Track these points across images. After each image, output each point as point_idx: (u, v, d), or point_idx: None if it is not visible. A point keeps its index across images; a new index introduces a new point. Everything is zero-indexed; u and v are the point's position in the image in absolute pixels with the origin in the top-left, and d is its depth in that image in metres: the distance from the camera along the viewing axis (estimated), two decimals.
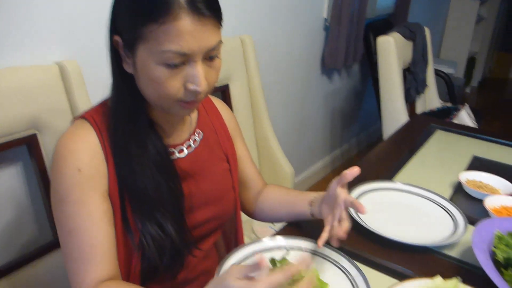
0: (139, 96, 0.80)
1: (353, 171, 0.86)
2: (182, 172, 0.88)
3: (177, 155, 0.89)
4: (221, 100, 1.09)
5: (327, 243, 0.94)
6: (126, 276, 0.84)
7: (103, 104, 0.85)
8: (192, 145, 0.92)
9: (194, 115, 0.96)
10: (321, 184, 3.01)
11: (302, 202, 1.00)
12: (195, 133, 0.94)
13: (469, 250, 0.98)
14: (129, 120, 0.81)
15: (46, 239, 1.20)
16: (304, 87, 2.62)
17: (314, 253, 0.93)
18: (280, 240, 0.95)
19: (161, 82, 0.73)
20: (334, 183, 0.89)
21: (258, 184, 1.10)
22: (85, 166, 0.77)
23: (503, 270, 0.86)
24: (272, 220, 1.09)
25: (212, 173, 0.96)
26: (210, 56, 0.76)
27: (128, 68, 0.78)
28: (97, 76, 1.35)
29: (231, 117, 1.07)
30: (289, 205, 1.03)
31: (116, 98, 0.82)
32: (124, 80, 0.80)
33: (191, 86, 0.74)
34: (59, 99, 1.13)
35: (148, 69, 0.73)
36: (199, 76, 0.73)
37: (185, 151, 0.91)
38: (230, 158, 1.02)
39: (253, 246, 0.93)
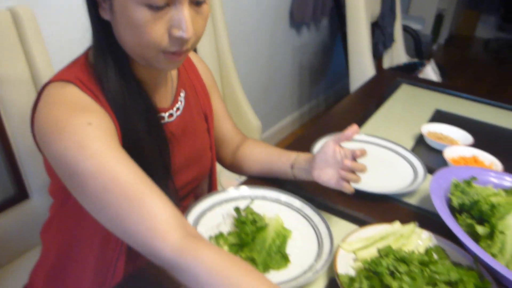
0: (122, 50, 0.73)
1: (353, 130, 0.85)
2: (170, 136, 0.85)
3: (167, 119, 0.86)
4: (195, 53, 1.04)
5: (294, 192, 0.96)
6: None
7: (84, 62, 0.76)
8: (180, 107, 0.89)
9: (174, 73, 0.91)
10: (289, 139, 3.04)
11: (283, 164, 0.98)
12: (180, 94, 0.90)
13: (427, 198, 1.02)
14: (120, 79, 0.74)
15: (6, 195, 1.16)
16: (272, 41, 2.58)
17: (278, 201, 0.94)
18: (245, 190, 0.95)
19: (143, 26, 0.66)
20: (330, 145, 0.87)
21: (236, 139, 1.07)
22: (94, 120, 0.68)
23: (457, 215, 0.90)
24: (250, 175, 1.06)
25: (193, 134, 0.93)
26: (197, 1, 0.69)
27: (105, 14, 0.70)
28: (52, 24, 1.28)
29: (207, 72, 1.03)
30: (269, 165, 1.01)
31: (99, 54, 0.74)
32: (105, 31, 0.72)
33: (177, 32, 0.67)
34: (12, 48, 1.07)
35: (127, 11, 0.66)
36: (186, 20, 0.66)
37: (174, 115, 0.87)
38: (208, 117, 0.99)
39: (218, 196, 0.93)
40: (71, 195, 0.69)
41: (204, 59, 1.70)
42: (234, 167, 1.08)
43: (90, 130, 0.66)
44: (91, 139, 0.65)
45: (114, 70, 0.74)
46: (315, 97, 3.44)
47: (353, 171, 0.86)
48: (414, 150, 1.25)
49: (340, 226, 0.91)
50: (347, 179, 0.86)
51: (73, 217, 0.83)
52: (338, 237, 0.84)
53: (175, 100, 0.89)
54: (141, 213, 0.62)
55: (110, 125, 0.71)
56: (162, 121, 0.85)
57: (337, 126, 1.31)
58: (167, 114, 0.86)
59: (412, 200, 1.02)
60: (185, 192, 0.95)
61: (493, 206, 0.84)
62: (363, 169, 0.86)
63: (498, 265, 0.74)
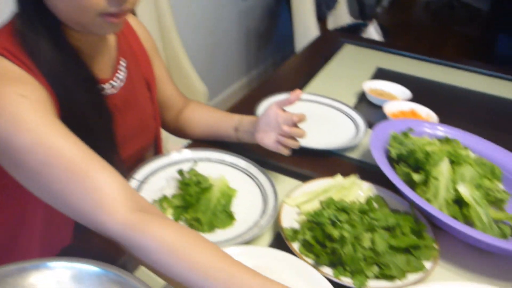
0: (54, 16, 0.67)
1: (296, 94, 0.84)
2: (113, 108, 0.81)
3: (108, 91, 0.81)
4: (134, 17, 0.98)
5: (238, 153, 0.96)
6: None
7: (11, 30, 0.68)
8: (121, 77, 0.84)
9: (113, 41, 0.85)
10: (239, 105, 3.02)
11: (226, 127, 0.97)
12: (120, 63, 0.85)
13: (368, 151, 1.05)
14: (53, 48, 0.68)
15: None
16: (216, 4, 2.52)
17: (223, 162, 0.94)
18: (187, 153, 0.94)
19: None
20: (273, 108, 0.86)
21: (179, 103, 1.05)
22: (27, 92, 0.62)
23: (396, 165, 0.93)
24: (193, 138, 1.05)
25: (136, 104, 0.89)
26: None
27: None
28: None
29: (148, 36, 0.98)
30: (212, 128, 1.00)
31: (27, 22, 0.67)
32: None
33: None
34: None
35: None
36: None
37: (116, 86, 0.83)
38: (151, 85, 0.95)
39: (160, 161, 0.91)
40: (6, 172, 0.63)
41: (144, 22, 1.64)
42: (178, 131, 1.06)
43: (24, 102, 0.61)
44: (26, 112, 0.60)
45: (46, 39, 0.68)
46: (263, 62, 3.43)
47: (292, 137, 0.86)
48: (356, 107, 1.28)
49: (285, 183, 0.92)
50: (285, 144, 0.86)
51: (12, 195, 0.79)
52: (283, 193, 0.86)
53: (115, 70, 0.84)
54: (85, 188, 0.58)
55: (46, 97, 0.65)
56: (103, 93, 0.80)
57: (282, 87, 1.32)
58: (108, 85, 0.81)
59: (354, 154, 1.05)
60: (130, 163, 0.93)
61: (427, 154, 0.88)
62: (301, 135, 0.86)
63: (432, 209, 0.78)
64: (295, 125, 0.85)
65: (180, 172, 0.86)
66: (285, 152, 0.87)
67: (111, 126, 0.79)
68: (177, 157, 0.93)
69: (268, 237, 0.78)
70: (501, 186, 0.91)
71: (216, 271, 0.53)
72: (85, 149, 0.62)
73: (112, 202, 0.58)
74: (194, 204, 0.80)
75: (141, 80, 0.92)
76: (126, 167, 0.90)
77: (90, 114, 0.74)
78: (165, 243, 0.55)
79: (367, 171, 0.97)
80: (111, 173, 0.61)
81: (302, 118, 0.85)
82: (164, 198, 0.81)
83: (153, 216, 0.58)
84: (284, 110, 0.87)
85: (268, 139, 0.87)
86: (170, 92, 1.03)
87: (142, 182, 0.86)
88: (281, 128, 0.84)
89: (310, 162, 1.00)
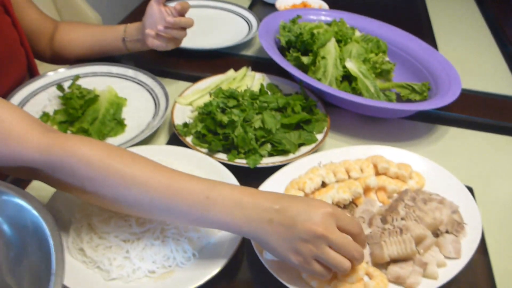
0: None
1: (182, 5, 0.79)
2: None
3: None
4: None
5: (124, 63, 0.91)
6: None
7: None
8: None
9: None
10: (131, 17, 2.87)
11: (113, 39, 0.90)
12: None
13: (262, 48, 1.04)
14: None
15: None
16: None
17: (109, 74, 0.89)
18: (67, 71, 0.88)
19: None
20: (154, 7, 0.81)
21: (47, 27, 0.94)
22: None
23: (286, 53, 0.93)
24: (76, 60, 0.96)
25: None
26: None
27: None
28: None
29: None
30: (96, 45, 0.92)
31: None
32: None
33: None
34: None
35: None
36: None
37: None
38: (8, 8, 0.84)
39: (39, 81, 0.84)
40: None
41: None
42: (56, 59, 0.96)
43: None
44: None
45: None
46: None
47: (180, 28, 0.82)
48: (250, 8, 1.25)
49: (179, 86, 0.90)
50: (172, 35, 0.82)
51: None
52: (176, 95, 0.83)
53: None
54: None
55: None
56: None
57: None
58: None
59: (249, 52, 1.04)
60: (2, 96, 0.84)
61: (313, 35, 0.88)
62: (189, 23, 0.82)
63: (322, 85, 0.80)
64: (180, 15, 0.81)
65: (60, 87, 0.80)
66: (173, 46, 0.84)
67: None
68: (58, 76, 0.86)
69: (164, 139, 0.77)
70: (386, 58, 0.94)
71: (155, 181, 0.50)
72: None
73: (22, 130, 0.52)
74: (80, 116, 0.75)
75: None
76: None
77: None
78: (93, 159, 0.50)
79: (261, 64, 0.97)
80: (5, 104, 0.54)
81: (185, 6, 0.81)
82: (45, 115, 0.76)
83: (67, 135, 0.53)
84: (165, 5, 0.82)
85: (158, 40, 0.83)
86: (33, 17, 0.92)
87: (20, 104, 0.79)
88: (166, 20, 0.80)
89: (204, 64, 0.98)
